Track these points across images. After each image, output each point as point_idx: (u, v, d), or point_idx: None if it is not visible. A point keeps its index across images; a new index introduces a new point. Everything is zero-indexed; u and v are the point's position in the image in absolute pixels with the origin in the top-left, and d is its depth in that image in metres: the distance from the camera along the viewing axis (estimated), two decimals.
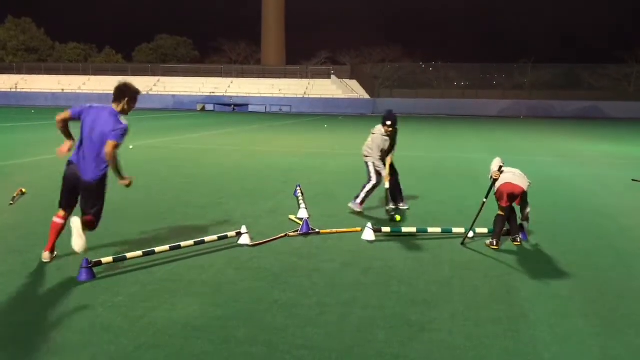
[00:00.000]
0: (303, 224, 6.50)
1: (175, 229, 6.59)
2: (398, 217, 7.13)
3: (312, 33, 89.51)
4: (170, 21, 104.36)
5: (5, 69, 63.30)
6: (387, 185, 7.41)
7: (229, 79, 58.29)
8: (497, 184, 6.10)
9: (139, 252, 5.19)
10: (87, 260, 4.79)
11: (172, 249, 5.42)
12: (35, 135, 19.80)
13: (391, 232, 6.46)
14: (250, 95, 53.57)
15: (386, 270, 5.19)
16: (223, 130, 24.71)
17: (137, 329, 3.79)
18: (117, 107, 5.26)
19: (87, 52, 79.75)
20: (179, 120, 32.38)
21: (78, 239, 4.87)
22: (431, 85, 57.94)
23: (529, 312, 4.22)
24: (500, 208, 6.09)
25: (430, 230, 6.53)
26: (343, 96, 52.95)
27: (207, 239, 5.75)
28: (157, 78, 59.43)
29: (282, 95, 53.65)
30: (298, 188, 8.61)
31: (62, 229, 5.23)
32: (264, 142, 18.85)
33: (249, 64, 73.13)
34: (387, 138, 7.41)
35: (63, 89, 57.49)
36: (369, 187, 7.47)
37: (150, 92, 56.47)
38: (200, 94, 54.85)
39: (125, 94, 5.28)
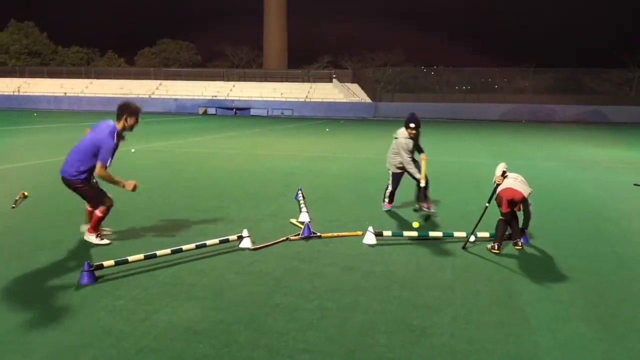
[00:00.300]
0: (304, 227, 6.50)
1: (176, 232, 6.59)
2: (417, 224, 7.04)
3: (314, 37, 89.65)
4: (172, 25, 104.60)
5: (8, 73, 63.50)
6: (422, 183, 7.46)
7: (231, 83, 58.39)
8: (498, 189, 6.10)
9: (141, 256, 5.20)
10: (88, 263, 4.80)
11: (173, 252, 5.43)
12: (37, 139, 19.84)
13: (392, 235, 6.46)
14: (252, 99, 53.64)
15: (387, 274, 5.19)
16: (225, 133, 24.74)
17: (139, 333, 3.79)
18: (118, 124, 5.78)
19: (89, 55, 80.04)
20: (181, 124, 32.42)
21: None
22: (433, 90, 57.92)
23: (530, 317, 4.22)
24: (502, 214, 6.10)
25: (431, 234, 6.54)
26: (345, 100, 53.00)
27: (208, 242, 5.75)
28: (159, 82, 59.56)
29: (283, 99, 53.71)
30: (299, 192, 8.62)
31: (89, 213, 6.09)
32: (266, 146, 18.86)
33: (251, 67, 73.30)
34: (410, 140, 7.51)
35: (65, 93, 57.62)
36: (387, 192, 7.81)
37: (153, 96, 56.61)
38: (202, 97, 54.94)
39: (125, 111, 5.77)
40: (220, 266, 5.31)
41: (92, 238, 5.95)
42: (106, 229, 6.32)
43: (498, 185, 6.13)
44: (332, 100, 52.64)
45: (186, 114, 49.57)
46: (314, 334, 3.85)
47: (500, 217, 6.11)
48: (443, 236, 6.52)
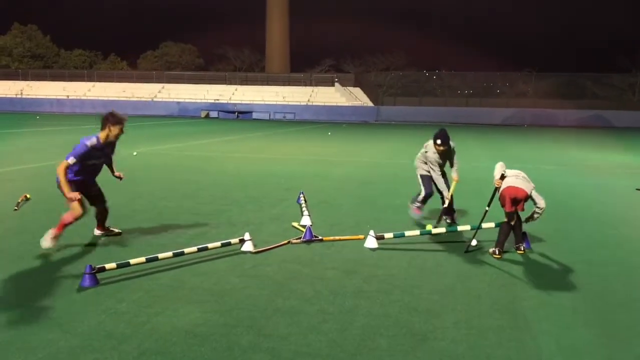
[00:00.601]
0: (306, 231, 6.50)
1: (178, 235, 6.60)
2: (429, 226, 6.98)
3: (316, 41, 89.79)
4: (175, 28, 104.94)
5: (11, 76, 63.71)
6: (445, 203, 7.29)
7: (233, 86, 58.50)
8: (501, 188, 6.06)
9: (143, 259, 5.20)
10: (90, 266, 4.80)
11: (175, 255, 5.43)
12: (40, 141, 19.89)
13: (394, 237, 6.45)
14: (254, 102, 53.73)
15: (389, 278, 5.19)
16: (227, 137, 24.77)
17: (140, 335, 3.79)
18: (102, 134, 5.85)
19: (92, 59, 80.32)
20: (183, 127, 32.47)
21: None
22: (435, 94, 57.99)
23: (532, 322, 4.21)
24: (506, 215, 6.06)
25: (434, 230, 6.55)
26: (347, 104, 53.06)
27: (210, 245, 5.76)
28: (161, 85, 59.71)
29: (285, 103, 53.79)
30: (301, 195, 8.62)
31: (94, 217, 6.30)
32: (268, 149, 18.88)
33: (253, 71, 73.37)
34: (437, 155, 7.26)
35: (68, 96, 57.78)
36: (420, 197, 7.53)
37: (155, 99, 56.74)
38: (205, 101, 55.06)
39: (108, 120, 5.81)
40: (222, 269, 5.31)
41: (47, 238, 5.77)
42: (115, 229, 6.53)
43: (497, 188, 6.10)
44: (334, 104, 52.72)
45: (188, 118, 49.67)
46: (316, 337, 3.84)
47: (504, 221, 6.08)
48: (447, 231, 6.55)
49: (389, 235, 6.40)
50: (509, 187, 5.98)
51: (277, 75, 64.57)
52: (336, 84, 56.63)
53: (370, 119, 50.54)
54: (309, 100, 54.53)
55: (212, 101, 54.85)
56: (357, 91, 55.43)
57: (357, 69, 65.06)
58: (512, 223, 6.08)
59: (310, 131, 30.99)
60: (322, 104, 53.03)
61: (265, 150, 18.71)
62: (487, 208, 6.23)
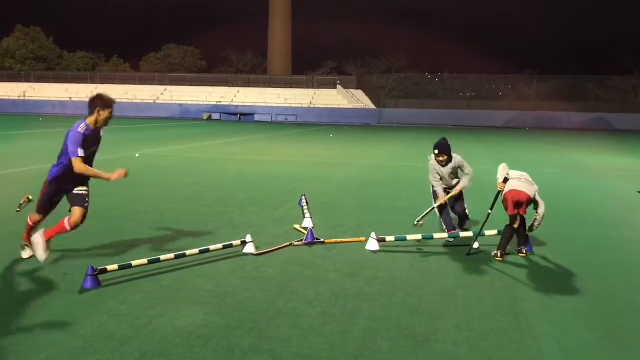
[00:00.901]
0: (308, 233, 6.50)
1: (180, 237, 6.61)
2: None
3: (318, 43, 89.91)
4: (177, 31, 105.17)
5: (14, 77, 63.88)
6: (435, 204, 6.97)
7: (236, 89, 58.58)
8: (504, 191, 6.03)
9: (145, 260, 5.21)
10: (92, 268, 4.81)
11: (177, 257, 5.43)
12: (42, 143, 19.93)
13: (396, 240, 6.45)
14: (257, 104, 53.80)
15: (390, 280, 5.19)
16: (229, 139, 24.79)
17: (142, 337, 3.79)
18: (90, 119, 5.26)
19: (95, 61, 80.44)
20: (185, 129, 32.52)
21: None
22: (437, 96, 58.00)
23: (534, 324, 4.20)
24: (509, 218, 6.04)
25: (436, 236, 6.54)
26: (349, 106, 53.09)
27: (212, 247, 5.76)
28: (164, 87, 59.82)
29: (288, 105, 53.84)
30: (303, 197, 8.62)
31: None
32: (270, 152, 18.89)
33: (256, 73, 73.46)
34: (438, 165, 6.93)
35: (71, 98, 57.91)
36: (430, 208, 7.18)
37: (157, 101, 56.85)
38: (207, 103, 55.14)
39: (96, 104, 5.23)
40: (224, 271, 5.32)
41: (25, 251, 5.51)
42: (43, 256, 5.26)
43: (500, 192, 6.08)
44: (336, 107, 52.75)
45: (190, 120, 49.74)
46: (317, 339, 3.84)
47: (508, 224, 6.06)
48: (448, 237, 6.54)
49: (390, 238, 6.41)
50: (511, 191, 5.95)
51: (279, 77, 64.66)
52: (338, 86, 56.68)
53: (372, 121, 50.54)
54: (311, 103, 54.58)
55: (214, 103, 54.93)
56: (359, 93, 55.45)
57: (359, 71, 65.07)
58: (515, 226, 6.06)
59: (312, 133, 31.01)
60: (324, 106, 53.07)
61: (267, 152, 18.72)
62: (489, 211, 6.22)
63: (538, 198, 6.05)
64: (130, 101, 56.27)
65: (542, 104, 51.81)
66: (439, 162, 6.91)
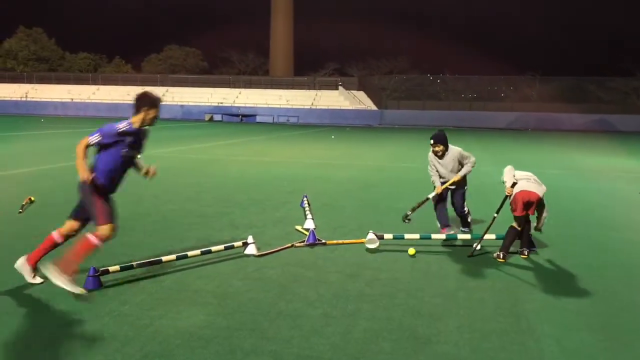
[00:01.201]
0: (309, 234, 6.51)
1: (182, 238, 6.61)
2: (412, 251, 6.18)
3: (320, 44, 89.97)
4: (179, 32, 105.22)
5: (16, 78, 63.98)
6: (431, 194, 7.02)
7: (237, 90, 58.61)
8: (514, 191, 5.98)
9: (146, 261, 5.21)
10: (94, 268, 4.82)
11: (178, 258, 5.44)
12: (44, 144, 19.96)
13: (394, 238, 6.46)
14: (258, 105, 53.81)
15: (392, 281, 5.19)
16: (230, 140, 24.82)
17: (144, 338, 3.80)
18: (135, 119, 4.79)
19: (96, 62, 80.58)
20: (187, 130, 32.55)
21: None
22: (438, 97, 57.92)
23: (535, 325, 4.20)
24: (515, 219, 6.02)
25: (434, 236, 6.55)
26: (350, 107, 53.09)
27: (213, 248, 5.77)
28: (165, 88, 59.83)
29: (289, 106, 53.85)
30: (305, 198, 8.62)
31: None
32: (271, 153, 18.91)
33: (257, 74, 73.54)
34: (436, 157, 6.99)
35: (73, 99, 57.98)
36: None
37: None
38: (209, 104, 55.18)
39: (144, 102, 4.82)
40: (225, 272, 5.33)
41: (61, 279, 4.44)
42: (80, 290, 4.56)
43: (508, 196, 6.03)
44: (338, 108, 52.76)
45: (192, 121, 49.79)
46: (319, 340, 3.85)
47: (512, 225, 6.05)
48: (446, 238, 6.54)
49: (388, 235, 6.45)
50: (522, 191, 5.91)
51: (281, 78, 64.70)
52: (340, 87, 56.67)
53: (374, 122, 50.54)
54: (312, 104, 54.59)
55: (216, 104, 54.96)
56: (361, 95, 55.45)
57: (361, 73, 65.08)
58: (520, 228, 6.03)
59: (313, 134, 31.02)
60: (326, 107, 53.08)
61: (268, 153, 18.73)
62: (495, 215, 6.19)
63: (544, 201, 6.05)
64: (132, 102, 56.24)
65: (544, 105, 51.73)
66: (436, 153, 6.97)
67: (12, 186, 10.17)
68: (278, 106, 53.88)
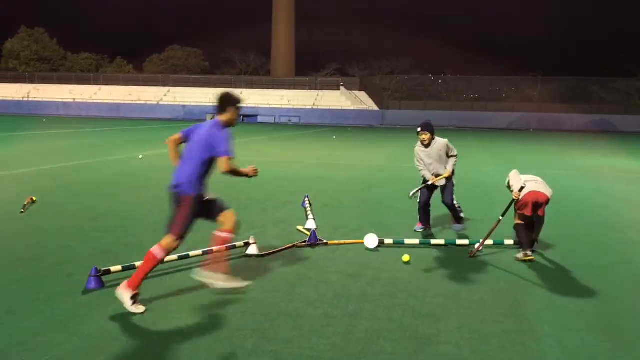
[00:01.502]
0: (311, 234, 6.52)
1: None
2: (407, 257, 5.93)
3: (322, 44, 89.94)
4: (181, 32, 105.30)
5: (18, 78, 64.08)
6: (426, 183, 7.05)
7: (239, 90, 58.48)
8: (522, 193, 5.97)
9: None
10: (96, 268, 4.83)
11: (180, 258, 5.46)
12: (46, 144, 19.98)
13: (394, 243, 6.48)
14: (260, 106, 53.81)
15: (393, 282, 5.19)
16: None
17: (145, 338, 3.81)
18: (225, 118, 4.82)
19: (98, 62, 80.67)
20: None
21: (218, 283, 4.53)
22: (440, 98, 57.89)
23: (536, 326, 4.21)
24: (521, 217, 6.02)
25: (433, 242, 6.56)
26: (352, 108, 53.09)
27: (215, 248, 5.76)
28: (167, 88, 59.91)
29: (291, 107, 53.87)
30: (306, 199, 8.63)
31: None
32: (273, 153, 18.91)
33: (259, 75, 73.56)
34: (424, 148, 7.07)
35: (74, 99, 58.06)
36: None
37: (161, 102, 56.95)
38: (210, 104, 55.03)
39: (231, 102, 4.85)
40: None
41: (125, 296, 4.30)
42: (243, 283, 4.88)
43: (515, 200, 6.03)
44: (340, 108, 52.76)
45: (194, 121, 49.76)
46: (320, 340, 3.85)
47: (517, 222, 6.05)
48: (445, 244, 6.54)
49: (389, 241, 6.49)
50: (531, 192, 5.94)
51: (283, 79, 64.72)
52: (341, 87, 56.68)
53: (376, 122, 50.54)
54: (314, 104, 54.61)
55: None
56: (362, 95, 55.45)
57: (362, 73, 65.08)
58: (525, 221, 6.03)
59: (315, 135, 31.01)
60: (327, 107, 53.09)
61: (270, 153, 18.74)
62: (500, 218, 6.19)
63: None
64: (133, 102, 56.41)
65: (545, 105, 51.70)
66: (422, 142, 7.07)
67: (13, 186, 10.19)
68: (279, 106, 53.90)
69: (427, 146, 7.07)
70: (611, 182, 12.99)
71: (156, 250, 4.49)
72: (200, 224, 7.37)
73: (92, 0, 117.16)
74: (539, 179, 6.18)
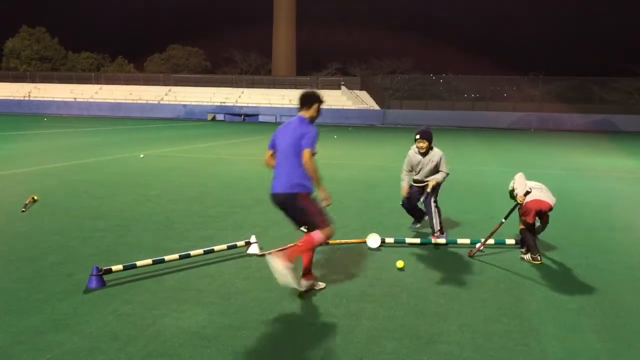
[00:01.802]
0: None
1: (184, 237, 6.62)
2: (401, 263, 5.69)
3: (323, 44, 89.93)
4: (182, 32, 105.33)
5: (19, 78, 64.13)
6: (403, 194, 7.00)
7: (240, 89, 58.64)
8: (526, 199, 5.97)
9: (149, 261, 5.22)
10: (97, 268, 4.83)
11: (181, 257, 5.45)
12: (47, 144, 19.99)
13: (395, 242, 6.48)
14: (261, 105, 53.83)
15: (395, 281, 5.19)
16: (233, 140, 24.83)
17: (146, 337, 3.81)
18: (309, 115, 5.00)
19: (99, 61, 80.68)
20: (189, 130, 32.58)
21: (280, 276, 4.43)
22: (441, 97, 57.86)
23: (538, 326, 4.20)
24: (524, 223, 6.02)
25: (434, 241, 6.56)
26: (353, 107, 53.06)
27: (216, 248, 5.78)
28: (168, 88, 59.91)
29: (292, 106, 53.69)
30: None
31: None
32: None
33: (260, 74, 73.53)
34: (418, 155, 6.91)
35: (75, 98, 58.08)
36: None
37: (162, 102, 56.95)
38: (211, 103, 55.20)
39: (315, 100, 5.04)
40: (228, 272, 5.33)
41: (303, 283, 4.70)
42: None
43: (519, 204, 6.03)
44: (341, 107, 52.73)
45: (195, 120, 49.81)
46: (321, 340, 3.85)
47: (521, 227, 6.06)
48: (446, 243, 6.54)
49: (389, 239, 6.49)
50: (535, 200, 5.94)
51: (284, 78, 64.68)
52: (342, 87, 56.66)
53: (377, 122, 50.52)
54: None
55: (219, 104, 54.99)
56: (364, 94, 55.42)
57: (364, 72, 65.04)
58: (529, 225, 6.03)
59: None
60: (328, 107, 52.95)
61: None
62: (503, 220, 6.18)
63: None
64: (134, 102, 56.42)
65: (546, 105, 51.67)
66: (419, 149, 6.88)
67: (14, 185, 10.19)
68: (280, 106, 53.89)
69: (423, 154, 6.89)
70: (612, 182, 12.98)
71: (317, 234, 4.68)
72: (201, 224, 7.39)
73: None
74: (543, 186, 6.17)
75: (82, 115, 52.57)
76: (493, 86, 57.70)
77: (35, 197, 8.45)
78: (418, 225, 7.42)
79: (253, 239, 6.05)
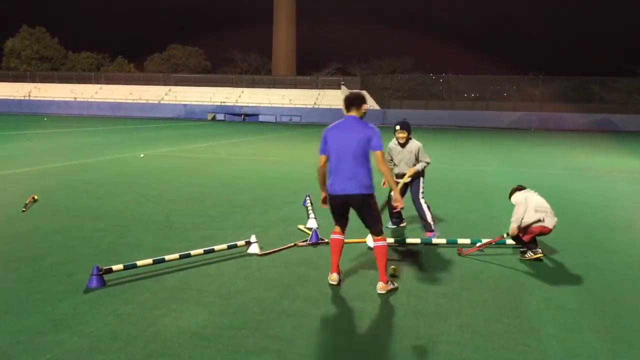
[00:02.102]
0: (312, 234, 6.52)
1: (185, 237, 6.62)
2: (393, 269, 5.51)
3: (323, 44, 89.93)
4: (182, 31, 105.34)
5: (19, 78, 64.14)
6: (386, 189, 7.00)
7: (240, 89, 58.63)
8: (530, 221, 5.86)
9: (149, 260, 5.22)
10: (97, 267, 4.83)
11: (181, 257, 5.45)
12: (47, 143, 19.99)
13: (395, 242, 6.48)
14: (261, 105, 53.84)
15: (394, 281, 5.18)
16: (233, 139, 24.83)
17: (146, 337, 3.81)
18: (357, 114, 5.17)
19: (99, 61, 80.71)
20: (189, 130, 32.58)
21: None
22: (441, 97, 57.88)
23: (538, 326, 4.20)
24: (516, 235, 6.02)
25: (434, 241, 6.56)
26: None
27: (216, 247, 5.78)
28: (168, 87, 59.92)
29: (292, 106, 53.85)
30: (307, 198, 8.62)
31: (341, 245, 5.19)
32: (274, 152, 18.91)
33: (260, 74, 73.54)
34: (397, 146, 7.13)
35: (75, 98, 58.10)
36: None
37: (162, 102, 56.96)
38: (211, 103, 55.21)
39: (363, 101, 5.25)
40: (228, 271, 5.33)
41: (388, 289, 4.90)
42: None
43: (518, 237, 5.99)
44: (341, 107, 52.54)
45: (195, 120, 49.81)
46: (321, 340, 3.85)
47: (513, 234, 6.03)
48: (447, 243, 6.54)
49: (390, 240, 6.46)
50: (541, 227, 5.83)
51: (284, 78, 64.69)
52: (342, 86, 56.65)
53: (377, 122, 50.48)
54: (315, 103, 54.58)
55: (219, 104, 54.99)
56: (363, 94, 55.40)
57: (364, 72, 65.05)
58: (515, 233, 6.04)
59: (316, 134, 30.99)
60: (329, 106, 53.05)
61: (271, 152, 18.74)
62: (504, 235, 6.16)
63: None
64: (134, 101, 56.44)
65: (547, 105, 51.69)
66: (399, 140, 7.13)
67: (14, 185, 10.19)
68: (281, 106, 53.90)
69: (402, 145, 7.13)
70: (612, 182, 12.97)
71: (380, 242, 4.97)
72: (201, 224, 7.39)
73: None
74: (547, 206, 5.99)
75: (82, 115, 52.58)
76: (493, 86, 57.72)
77: (36, 197, 8.45)
78: (394, 227, 7.45)
79: (253, 238, 6.05)
